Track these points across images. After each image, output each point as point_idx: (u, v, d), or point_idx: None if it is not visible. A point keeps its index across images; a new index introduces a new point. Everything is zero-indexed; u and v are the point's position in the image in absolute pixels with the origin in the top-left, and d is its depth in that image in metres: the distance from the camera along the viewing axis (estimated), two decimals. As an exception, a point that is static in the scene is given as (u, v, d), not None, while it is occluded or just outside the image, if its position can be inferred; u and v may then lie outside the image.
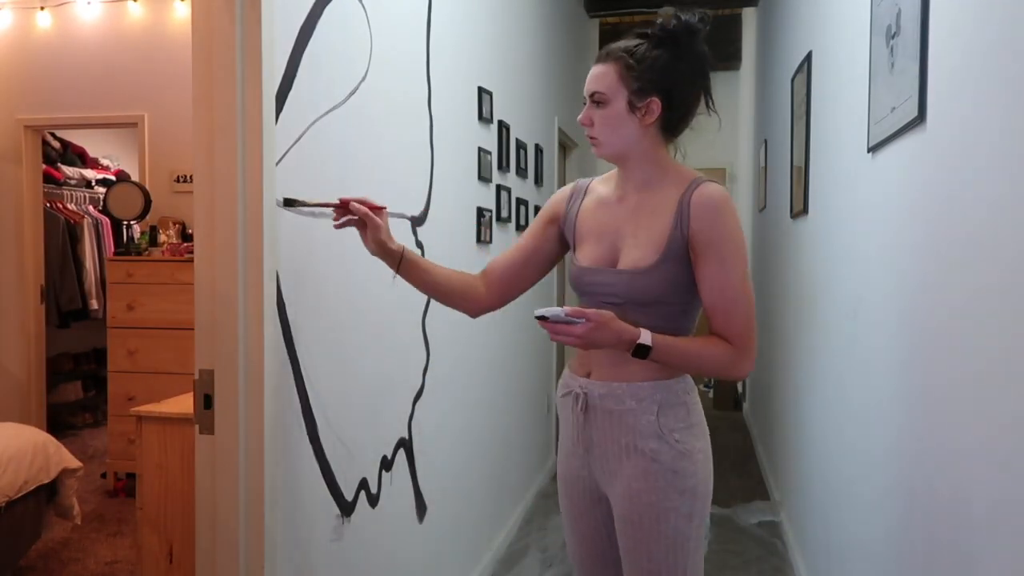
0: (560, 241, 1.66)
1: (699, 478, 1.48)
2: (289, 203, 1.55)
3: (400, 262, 1.58)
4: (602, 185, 1.60)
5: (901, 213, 1.69)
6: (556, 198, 1.67)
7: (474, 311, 1.69)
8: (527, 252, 1.66)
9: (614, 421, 1.50)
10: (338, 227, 1.55)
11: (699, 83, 1.48)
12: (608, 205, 1.56)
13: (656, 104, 1.45)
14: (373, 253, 1.56)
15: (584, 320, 1.35)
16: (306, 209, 1.60)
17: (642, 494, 1.47)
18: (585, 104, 1.51)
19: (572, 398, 1.57)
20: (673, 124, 1.49)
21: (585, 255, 1.55)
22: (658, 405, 1.47)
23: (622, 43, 1.48)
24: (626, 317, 1.42)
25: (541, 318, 1.35)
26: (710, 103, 1.51)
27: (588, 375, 1.55)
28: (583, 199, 1.61)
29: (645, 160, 1.50)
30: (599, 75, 1.48)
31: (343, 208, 1.53)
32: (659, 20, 1.46)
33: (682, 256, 1.44)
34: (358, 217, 1.51)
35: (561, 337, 1.37)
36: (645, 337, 1.38)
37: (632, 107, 1.45)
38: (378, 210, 1.54)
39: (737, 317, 1.42)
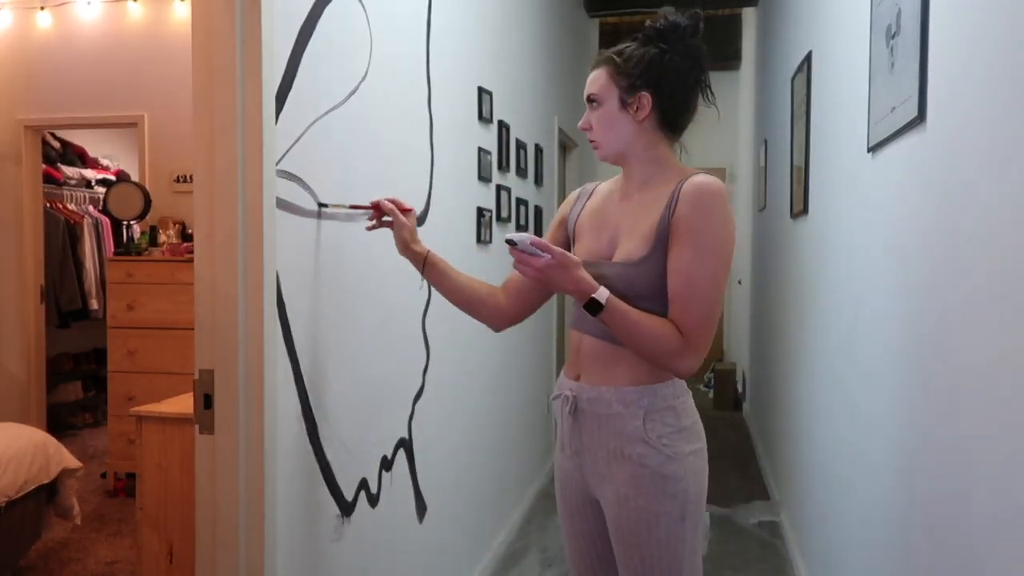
0: (570, 245, 1.66)
1: (688, 480, 1.46)
2: (323, 205, 1.65)
3: (424, 264, 1.64)
4: (608, 186, 1.62)
5: (901, 213, 1.69)
6: (565, 203, 1.69)
7: (496, 321, 1.69)
8: None
9: (602, 425, 1.49)
10: (371, 228, 1.68)
11: (690, 75, 1.48)
12: (609, 202, 1.57)
13: (646, 98, 1.46)
14: (400, 253, 1.65)
15: (549, 256, 1.35)
16: (341, 211, 1.66)
17: (631, 499, 1.46)
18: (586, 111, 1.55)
19: (562, 400, 1.57)
20: (670, 120, 1.49)
21: (582, 249, 1.56)
22: (644, 410, 1.46)
23: (613, 49, 1.52)
24: None
25: (510, 242, 1.35)
26: (708, 95, 1.51)
27: (578, 378, 1.54)
28: (587, 200, 1.63)
29: (644, 159, 1.50)
30: (592, 79, 1.52)
31: (376, 210, 1.65)
32: (647, 22, 1.50)
33: (667, 245, 1.42)
34: (391, 219, 1.62)
35: (523, 267, 1.37)
36: (601, 294, 1.36)
37: (624, 104, 1.48)
38: (407, 211, 1.63)
39: (695, 311, 1.38)
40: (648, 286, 1.43)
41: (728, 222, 1.40)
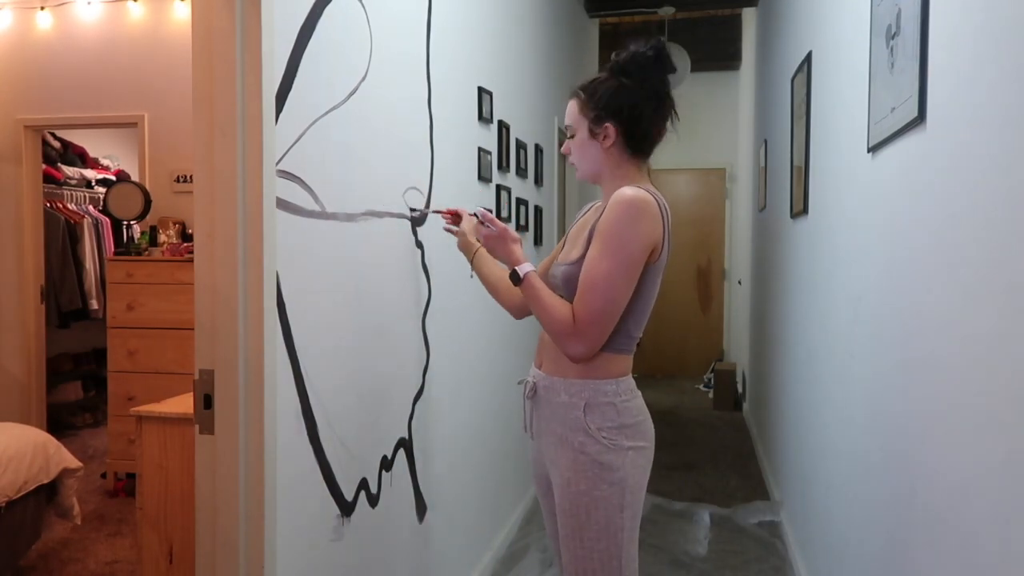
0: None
1: (627, 471, 1.58)
2: (414, 210, 2.10)
3: (473, 256, 1.98)
4: (598, 203, 1.78)
5: (901, 213, 1.69)
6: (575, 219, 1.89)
7: (513, 311, 1.97)
8: (553, 260, 1.86)
9: (552, 412, 1.65)
10: (446, 229, 2.10)
11: (649, 105, 1.62)
12: (588, 216, 1.76)
13: (611, 129, 1.63)
14: (459, 248, 2.04)
15: (495, 229, 1.70)
16: (430, 212, 2.10)
17: (573, 483, 1.59)
18: None
19: (524, 386, 1.75)
20: (634, 145, 1.65)
21: (560, 255, 1.77)
22: (585, 402, 1.60)
23: (587, 80, 1.69)
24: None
25: (474, 214, 1.69)
26: (672, 120, 1.66)
27: (540, 366, 1.72)
28: (581, 216, 1.81)
29: (613, 178, 1.66)
30: (568, 111, 1.70)
31: (452, 215, 2.09)
32: (612, 55, 1.65)
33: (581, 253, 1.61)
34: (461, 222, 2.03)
35: (478, 231, 1.74)
36: (522, 268, 1.63)
37: (592, 134, 1.65)
38: (469, 220, 2.02)
39: (587, 301, 1.52)
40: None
41: (630, 228, 1.51)
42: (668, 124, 1.66)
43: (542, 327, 1.63)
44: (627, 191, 1.53)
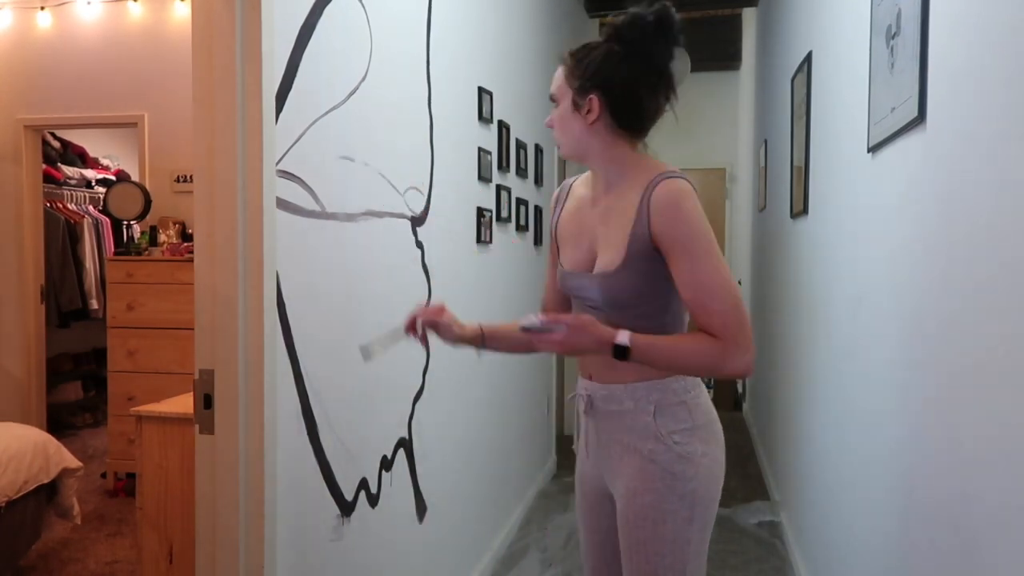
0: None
1: (700, 481, 1.45)
2: (366, 352, 1.63)
3: (482, 343, 1.65)
4: (582, 187, 1.60)
5: (901, 213, 1.69)
6: (551, 209, 1.68)
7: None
8: (556, 267, 1.69)
9: (614, 422, 1.50)
10: (421, 342, 1.62)
11: (644, 77, 1.43)
12: (584, 208, 1.56)
13: (595, 102, 1.43)
14: (455, 343, 1.65)
15: (563, 327, 1.34)
16: (384, 345, 1.63)
17: (639, 494, 1.46)
18: None
19: (578, 399, 1.58)
20: (624, 122, 1.45)
21: (567, 258, 1.57)
22: (654, 405, 1.46)
23: (580, 45, 1.48)
24: (609, 320, 1.41)
25: (525, 329, 1.36)
26: (671, 97, 1.46)
27: (590, 377, 1.55)
28: (564, 203, 1.62)
29: (603, 159, 1.48)
30: (554, 77, 1.49)
31: (413, 331, 1.60)
32: (610, 16, 1.46)
33: (648, 254, 1.40)
34: (426, 328, 1.61)
35: (544, 345, 1.37)
36: (622, 337, 1.34)
37: (576, 106, 1.45)
38: (439, 312, 1.61)
39: (717, 310, 1.35)
40: (628, 293, 1.44)
41: (700, 216, 1.38)
42: (665, 101, 1.46)
43: (688, 374, 1.45)
44: (665, 189, 1.38)
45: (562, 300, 1.66)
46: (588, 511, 1.64)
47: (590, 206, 1.54)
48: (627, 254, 1.42)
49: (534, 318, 1.36)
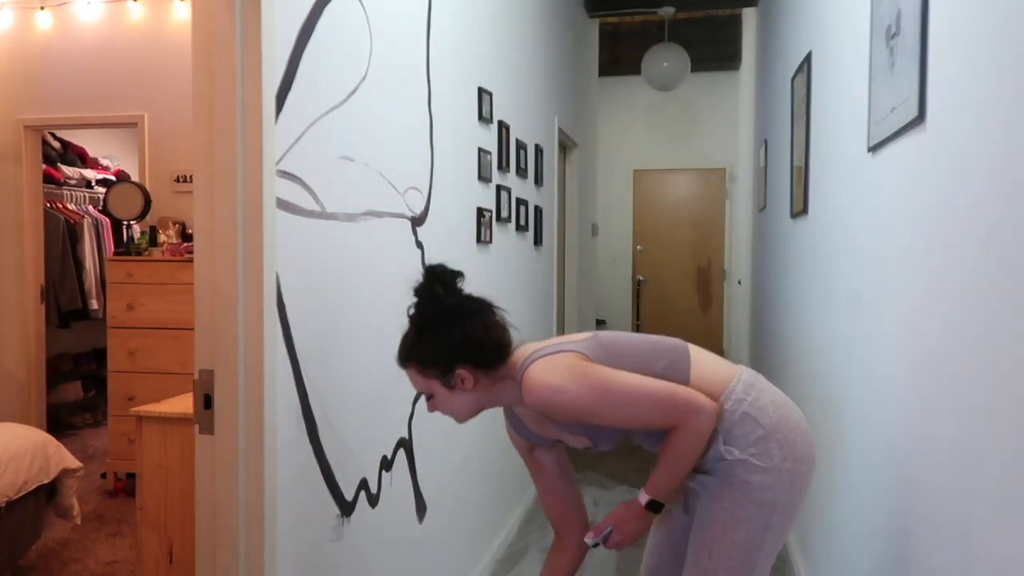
0: (547, 451, 1.75)
1: (780, 490, 1.49)
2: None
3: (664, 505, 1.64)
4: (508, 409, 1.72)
5: (901, 213, 1.69)
6: (511, 438, 1.80)
7: (584, 548, 1.70)
8: (549, 477, 1.77)
9: (704, 486, 1.57)
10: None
11: (476, 325, 1.53)
12: (521, 412, 1.68)
13: (464, 371, 1.53)
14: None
15: (611, 528, 1.52)
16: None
17: (717, 499, 1.52)
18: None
19: (683, 496, 1.68)
20: (490, 362, 1.55)
21: (551, 430, 1.65)
22: (722, 436, 1.51)
23: (403, 345, 1.57)
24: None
25: (595, 544, 1.55)
26: (497, 318, 1.57)
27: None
28: (512, 415, 1.72)
29: (494, 395, 1.59)
30: (412, 381, 1.59)
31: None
32: (408, 309, 1.55)
33: (573, 422, 1.56)
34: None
35: (615, 547, 1.53)
36: (643, 497, 1.52)
37: (450, 387, 1.55)
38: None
39: (655, 415, 1.47)
40: (612, 439, 1.61)
41: (570, 380, 1.47)
42: (499, 321, 1.56)
43: (699, 455, 1.51)
44: (525, 386, 1.49)
45: (562, 510, 1.76)
46: (659, 521, 1.73)
47: (525, 414, 1.68)
48: (571, 433, 1.60)
49: (593, 536, 1.55)
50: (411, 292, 1.53)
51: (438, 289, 1.51)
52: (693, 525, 1.58)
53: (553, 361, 1.50)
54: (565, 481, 1.77)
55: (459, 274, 1.54)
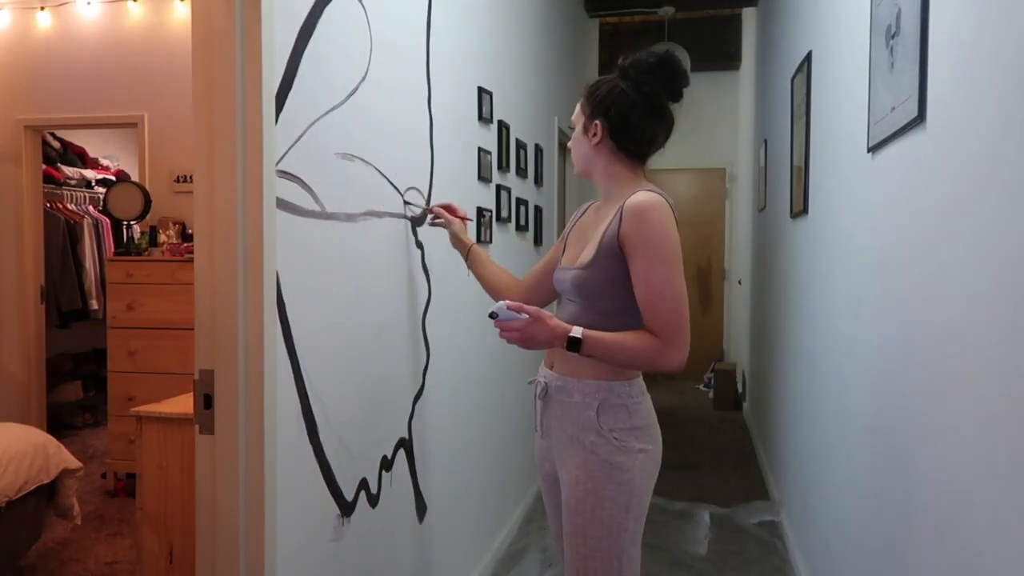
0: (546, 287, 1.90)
1: (635, 473, 1.59)
2: (408, 203, 2.11)
3: (468, 254, 2.05)
4: (596, 204, 1.81)
5: (901, 213, 1.69)
6: (571, 218, 1.90)
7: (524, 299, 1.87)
8: (548, 263, 1.90)
9: (564, 412, 1.67)
10: (432, 224, 2.16)
11: (638, 110, 1.63)
12: (587, 217, 1.79)
13: (598, 127, 1.67)
14: (453, 246, 2.12)
15: (524, 316, 1.52)
16: (418, 208, 2.11)
17: (581, 481, 1.61)
18: None
19: (536, 386, 1.76)
20: (623, 145, 1.67)
21: (565, 258, 1.78)
22: (599, 403, 1.62)
23: (598, 79, 1.74)
24: (579, 314, 1.63)
25: (492, 315, 1.53)
26: (667, 130, 1.67)
27: (551, 366, 1.73)
28: (579, 217, 1.84)
29: (604, 176, 1.71)
30: (577, 106, 1.75)
31: (445, 210, 2.14)
32: (620, 59, 1.68)
33: (614, 254, 1.58)
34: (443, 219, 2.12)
35: (506, 334, 1.55)
36: (576, 331, 1.53)
37: (585, 129, 1.70)
38: (453, 213, 2.14)
39: (661, 310, 1.52)
40: (597, 286, 1.61)
41: (665, 228, 1.54)
42: (662, 133, 1.67)
43: (629, 367, 1.61)
44: (639, 197, 1.55)
45: (535, 281, 1.92)
46: (548, 491, 1.82)
47: (592, 215, 1.77)
48: (597, 251, 1.60)
49: (501, 303, 1.53)
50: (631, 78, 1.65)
51: (661, 74, 1.63)
52: (564, 515, 1.65)
53: (666, 210, 1.56)
54: (545, 279, 1.89)
55: (686, 84, 1.67)
